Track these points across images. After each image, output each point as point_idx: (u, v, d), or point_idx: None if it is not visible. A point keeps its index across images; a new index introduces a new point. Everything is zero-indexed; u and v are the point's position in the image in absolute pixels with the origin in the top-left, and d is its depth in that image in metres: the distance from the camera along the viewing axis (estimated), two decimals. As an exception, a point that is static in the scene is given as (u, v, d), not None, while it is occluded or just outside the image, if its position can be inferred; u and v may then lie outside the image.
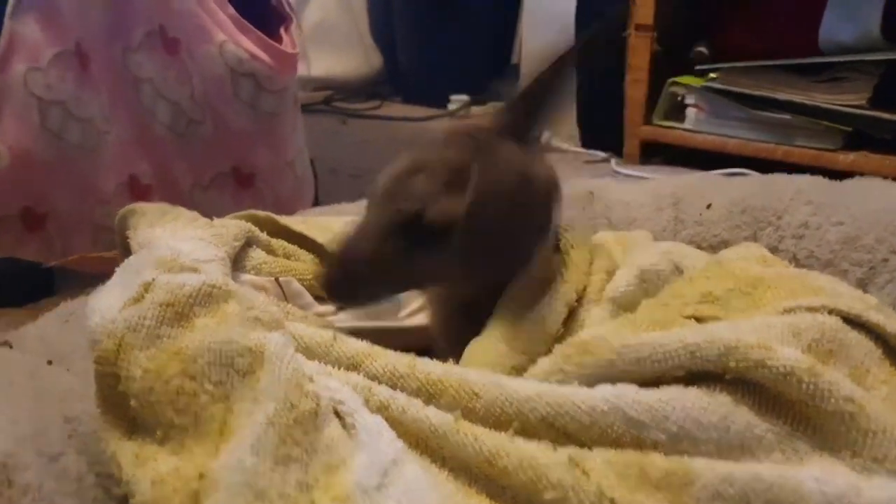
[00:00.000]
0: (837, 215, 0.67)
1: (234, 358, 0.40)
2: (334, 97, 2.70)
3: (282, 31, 1.19)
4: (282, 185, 1.25)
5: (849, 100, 1.60)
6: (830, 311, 0.47)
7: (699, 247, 0.78)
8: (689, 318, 0.51)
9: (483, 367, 0.52)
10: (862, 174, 1.54)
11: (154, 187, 1.15)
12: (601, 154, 2.00)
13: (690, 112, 1.87)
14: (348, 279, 0.56)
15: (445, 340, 0.64)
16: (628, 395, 0.43)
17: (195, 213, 0.67)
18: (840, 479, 0.39)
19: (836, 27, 1.72)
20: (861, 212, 0.66)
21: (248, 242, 0.68)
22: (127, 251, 0.60)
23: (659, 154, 1.96)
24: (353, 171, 1.93)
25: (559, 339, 0.55)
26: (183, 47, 1.09)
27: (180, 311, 0.45)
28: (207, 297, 0.46)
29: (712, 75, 1.82)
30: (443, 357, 0.57)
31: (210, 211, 1.18)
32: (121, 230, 0.64)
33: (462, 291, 0.62)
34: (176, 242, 0.55)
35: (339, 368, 0.47)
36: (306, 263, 0.71)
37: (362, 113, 2.60)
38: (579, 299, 0.58)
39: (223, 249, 0.59)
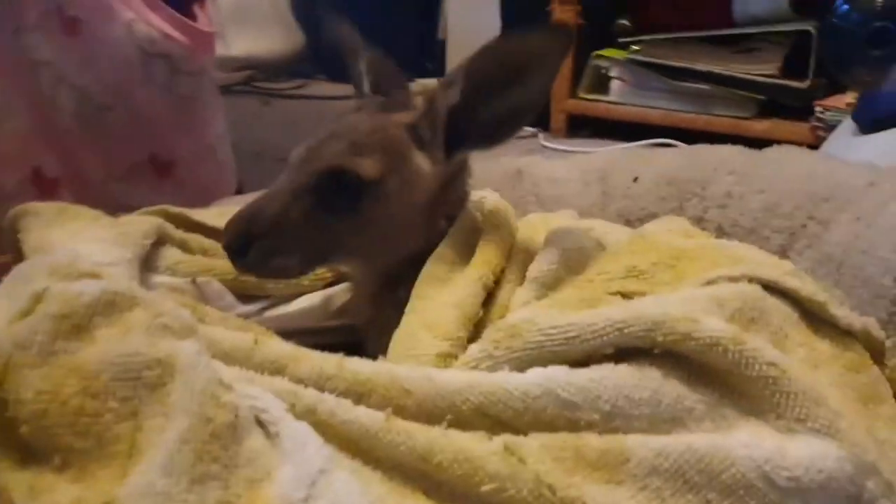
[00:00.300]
0: (759, 184, 0.68)
1: (141, 371, 0.37)
2: (255, 77, 2.60)
3: (196, 8, 1.13)
4: (203, 172, 1.19)
5: (762, 69, 1.66)
6: (750, 280, 0.48)
7: (627, 220, 0.79)
8: (614, 294, 0.51)
9: (408, 359, 0.51)
10: (776, 141, 1.62)
11: (62, 181, 1.07)
12: (529, 129, 2.00)
13: (615, 84, 1.89)
14: (251, 241, 0.54)
15: (371, 328, 0.62)
16: (560, 378, 0.43)
17: (97, 212, 0.62)
18: (767, 443, 0.40)
19: (747, 0, 1.78)
20: (780, 180, 0.68)
21: (161, 240, 0.63)
22: (20, 256, 0.56)
23: (586, 127, 1.98)
24: (279, 155, 1.84)
25: (480, 322, 0.55)
26: (85, 27, 1.01)
27: (78, 324, 0.41)
28: (109, 306, 0.42)
29: (634, 48, 1.84)
30: (372, 351, 0.56)
31: (127, 204, 1.11)
32: (12, 233, 0.58)
33: (377, 265, 0.61)
34: (75, 245, 0.51)
35: (262, 374, 0.45)
36: (225, 260, 0.68)
37: (286, 93, 2.52)
38: (497, 280, 0.58)
39: (130, 250, 0.55)
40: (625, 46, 1.86)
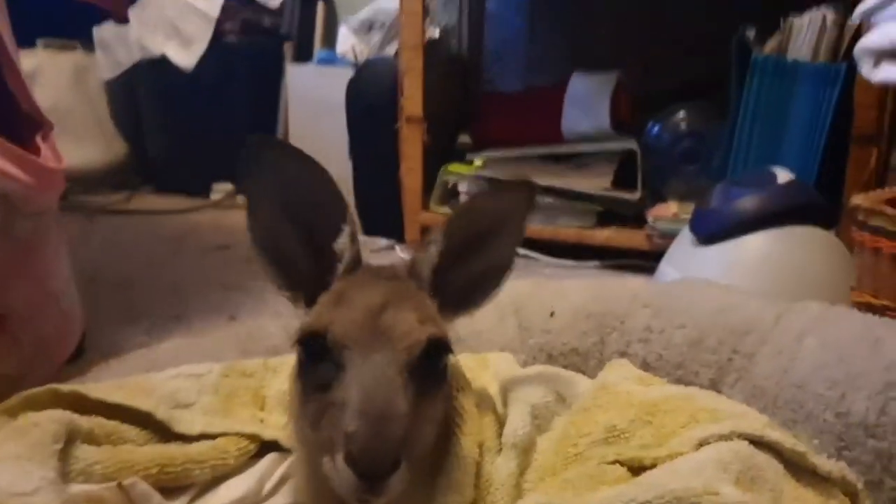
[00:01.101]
0: (677, 318, 0.73)
1: None
2: (74, 190, 2.37)
3: (38, 139, 1.00)
4: (43, 324, 1.03)
5: (596, 183, 1.83)
6: (738, 436, 0.50)
7: (550, 355, 0.80)
8: (612, 463, 0.50)
9: None
10: (618, 248, 1.79)
11: None
12: (384, 241, 2.01)
13: (464, 198, 1.97)
14: (397, 466, 0.43)
15: None
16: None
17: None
18: None
19: (574, 120, 1.97)
20: (697, 314, 0.73)
21: (70, 438, 0.53)
22: None
23: (438, 237, 2.04)
24: (116, 279, 1.68)
25: (474, 502, 0.51)
26: None
27: None
28: None
29: (478, 162, 1.95)
30: None
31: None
32: None
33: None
34: None
35: None
36: (142, 449, 0.58)
37: (111, 207, 2.32)
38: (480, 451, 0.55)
39: (49, 465, 0.45)
40: (469, 162, 1.97)
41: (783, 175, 1.29)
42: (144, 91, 2.54)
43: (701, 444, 0.49)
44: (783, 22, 1.56)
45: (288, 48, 2.54)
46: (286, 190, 0.53)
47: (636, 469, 0.49)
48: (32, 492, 0.40)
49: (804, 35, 1.54)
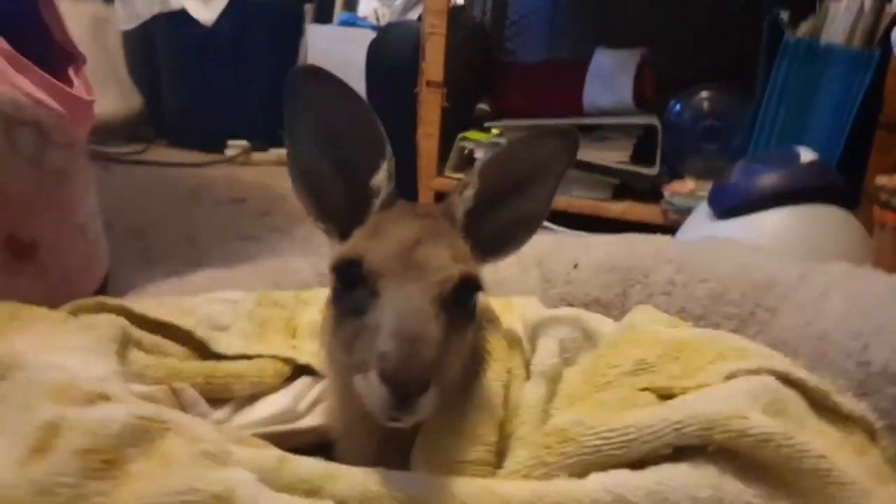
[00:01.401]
0: (700, 273, 0.74)
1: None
2: (90, 139, 2.38)
3: (70, 71, 1.01)
4: (70, 255, 1.04)
5: (614, 157, 1.83)
6: (766, 372, 0.51)
7: (570, 304, 0.81)
8: (643, 390, 0.52)
9: (440, 469, 0.48)
10: (632, 222, 1.79)
11: None
12: (398, 205, 2.02)
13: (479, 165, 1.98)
14: (427, 387, 0.43)
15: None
16: (628, 482, 0.43)
17: (57, 312, 0.52)
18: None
19: (596, 94, 1.97)
20: (720, 269, 0.74)
21: (123, 341, 0.54)
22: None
23: (451, 204, 2.04)
24: (132, 226, 1.70)
25: (503, 422, 0.53)
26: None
27: (109, 458, 0.33)
28: (140, 435, 0.35)
29: (495, 131, 1.95)
30: (349, 455, 0.51)
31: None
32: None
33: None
34: (59, 357, 0.42)
35: (295, 494, 0.40)
36: (189, 361, 0.60)
37: (126, 158, 2.33)
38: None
39: (113, 359, 0.46)
40: (487, 129, 1.97)
41: (806, 154, 1.29)
42: (162, 44, 2.54)
43: (729, 377, 0.51)
44: (818, 6, 1.56)
45: (308, 9, 2.53)
46: (328, 122, 0.54)
47: (665, 398, 0.51)
48: (102, 377, 0.42)
49: (839, 20, 1.53)
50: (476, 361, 0.56)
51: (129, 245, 1.58)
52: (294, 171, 0.55)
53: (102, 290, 1.19)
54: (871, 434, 0.53)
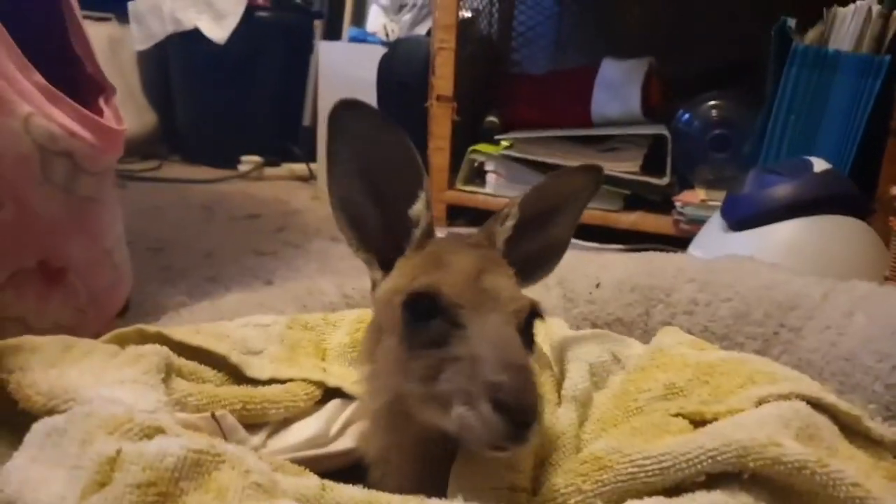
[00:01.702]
0: (723, 292, 0.76)
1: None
2: (106, 159, 2.42)
3: (101, 101, 1.03)
4: (98, 278, 1.07)
5: (625, 167, 1.84)
6: (797, 397, 0.52)
7: (594, 324, 0.83)
8: (675, 416, 0.53)
9: (476, 493, 0.49)
10: (644, 232, 1.80)
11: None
12: (411, 218, 2.03)
13: (490, 177, 2.00)
14: (536, 400, 0.46)
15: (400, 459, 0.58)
16: (666, 511, 0.44)
17: (108, 345, 0.53)
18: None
19: (604, 105, 1.99)
20: (742, 289, 0.76)
21: (167, 371, 0.56)
22: (6, 401, 0.46)
23: (462, 216, 2.06)
24: (150, 243, 1.72)
25: (537, 448, 0.54)
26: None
27: (165, 491, 0.35)
28: (195, 468, 0.37)
29: (505, 143, 1.97)
30: (384, 480, 0.52)
31: (4, 316, 0.96)
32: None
33: None
34: (104, 389, 0.43)
35: None
36: (226, 387, 0.62)
37: (141, 175, 2.36)
38: None
39: (161, 390, 0.48)
40: (497, 142, 1.98)
41: (819, 164, 1.30)
42: (176, 63, 2.57)
43: (760, 402, 0.52)
44: (826, 12, 1.57)
45: (318, 25, 2.56)
46: (366, 153, 0.55)
47: (697, 423, 0.52)
48: (153, 410, 0.43)
49: (847, 26, 1.55)
50: None
51: (149, 262, 1.61)
52: (335, 202, 0.57)
53: (126, 309, 1.22)
54: (901, 458, 0.54)
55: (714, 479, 0.46)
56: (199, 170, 2.50)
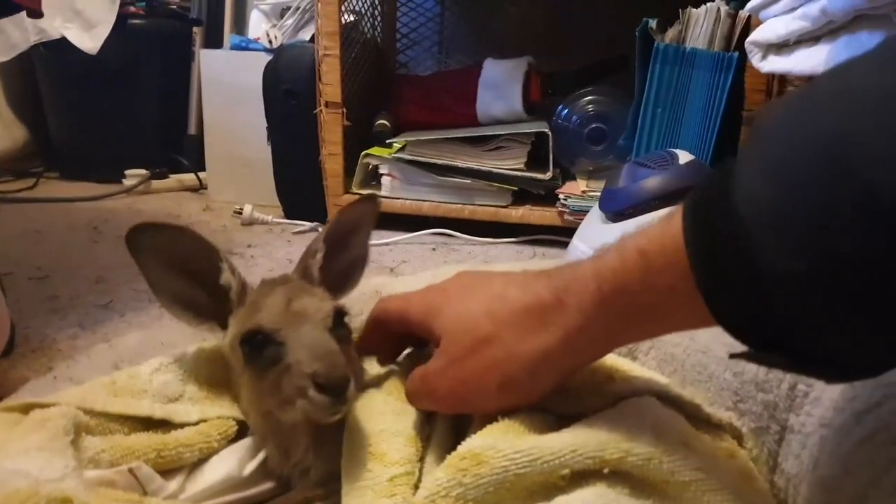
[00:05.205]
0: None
1: None
2: (-28, 181, 2.27)
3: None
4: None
5: (511, 164, 1.93)
6: (648, 392, 0.60)
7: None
8: (544, 411, 0.60)
9: (363, 491, 0.55)
10: (532, 225, 1.90)
11: None
12: (308, 224, 2.05)
13: (385, 180, 2.03)
14: (345, 370, 0.60)
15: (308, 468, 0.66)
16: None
17: (12, 414, 0.54)
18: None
19: (489, 104, 2.06)
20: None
21: (76, 430, 0.57)
22: None
23: (360, 218, 2.09)
24: (34, 273, 1.63)
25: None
26: None
27: None
28: None
29: (397, 145, 2.01)
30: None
31: None
32: None
33: None
34: (14, 462, 0.44)
35: None
36: (138, 437, 0.64)
37: (16, 196, 2.22)
38: None
39: (68, 454, 0.49)
40: (389, 145, 2.02)
41: (684, 156, 1.42)
42: (44, 74, 2.43)
43: (618, 400, 0.60)
44: (682, 13, 1.71)
45: (198, 32, 2.49)
46: (169, 257, 0.68)
47: (562, 422, 0.59)
48: (60, 478, 0.45)
49: (701, 25, 1.69)
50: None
51: (32, 293, 1.53)
52: (164, 302, 0.69)
53: (11, 348, 1.16)
54: (739, 438, 0.63)
55: (582, 476, 0.53)
56: (80, 186, 2.39)
